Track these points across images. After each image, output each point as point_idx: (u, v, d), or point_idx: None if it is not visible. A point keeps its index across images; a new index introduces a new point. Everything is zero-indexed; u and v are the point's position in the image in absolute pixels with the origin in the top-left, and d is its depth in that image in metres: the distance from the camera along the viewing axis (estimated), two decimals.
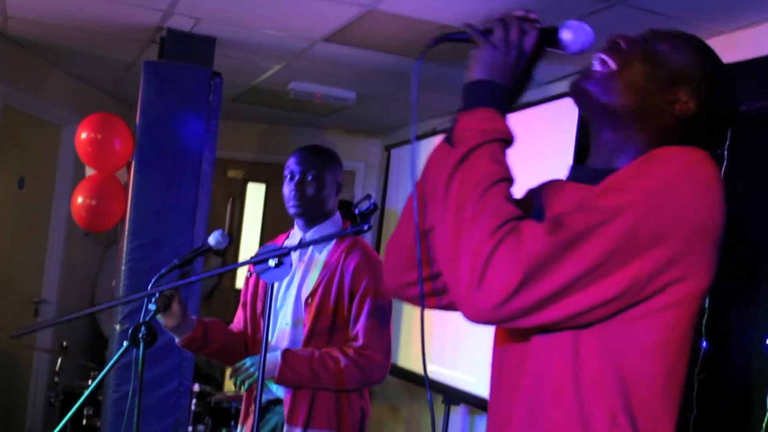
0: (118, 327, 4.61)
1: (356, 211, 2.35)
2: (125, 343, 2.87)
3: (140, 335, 2.78)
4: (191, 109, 4.72)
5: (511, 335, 1.58)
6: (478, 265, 1.33)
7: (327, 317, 3.03)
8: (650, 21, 3.72)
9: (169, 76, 4.71)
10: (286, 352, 2.94)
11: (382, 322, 3.04)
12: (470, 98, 1.52)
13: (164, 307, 2.95)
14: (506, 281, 1.32)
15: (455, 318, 4.78)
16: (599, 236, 1.34)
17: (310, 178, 3.10)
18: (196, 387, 5.05)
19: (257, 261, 2.40)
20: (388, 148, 6.52)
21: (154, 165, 4.67)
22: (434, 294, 1.68)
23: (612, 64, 1.58)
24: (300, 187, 3.09)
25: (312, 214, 3.12)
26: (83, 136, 4.76)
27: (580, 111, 1.65)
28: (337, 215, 3.19)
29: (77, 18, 4.76)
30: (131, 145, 4.77)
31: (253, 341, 3.17)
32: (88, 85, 6.53)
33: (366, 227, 2.36)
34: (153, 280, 2.81)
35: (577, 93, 1.61)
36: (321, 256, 3.11)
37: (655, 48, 1.59)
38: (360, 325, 3.01)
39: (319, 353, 2.97)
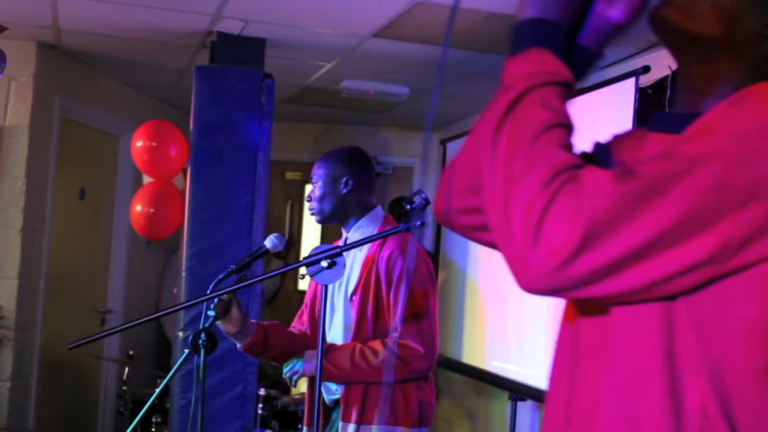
0: (180, 334, 4.62)
1: (407, 207, 2.29)
2: (186, 351, 2.86)
3: (200, 342, 2.77)
4: (244, 112, 4.71)
5: (584, 309, 1.36)
6: (531, 223, 1.14)
7: (370, 311, 3.02)
8: None
9: (221, 80, 4.70)
10: (327, 349, 2.92)
11: (420, 310, 2.99)
12: (519, 39, 1.31)
13: (223, 312, 2.93)
14: (565, 239, 1.11)
15: (517, 311, 4.70)
16: (680, 187, 1.12)
17: (316, 184, 3.16)
18: (262, 391, 5.04)
19: (309, 263, 2.35)
20: (443, 142, 6.45)
21: (209, 170, 4.67)
22: (482, 227, 1.42)
23: None
24: (311, 196, 3.18)
25: (335, 218, 3.17)
26: (139, 144, 4.78)
27: (662, 42, 1.42)
28: (376, 210, 3.18)
29: (128, 28, 4.79)
30: (186, 152, 4.77)
31: (314, 343, 3.14)
32: (143, 94, 6.58)
33: (419, 223, 2.30)
34: (211, 286, 2.78)
35: (655, 21, 1.38)
36: (362, 253, 3.11)
37: None
38: (397, 315, 2.97)
39: (360, 347, 2.96)
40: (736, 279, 1.17)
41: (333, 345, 3.00)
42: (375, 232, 3.10)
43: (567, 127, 1.23)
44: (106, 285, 6.42)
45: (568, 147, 1.22)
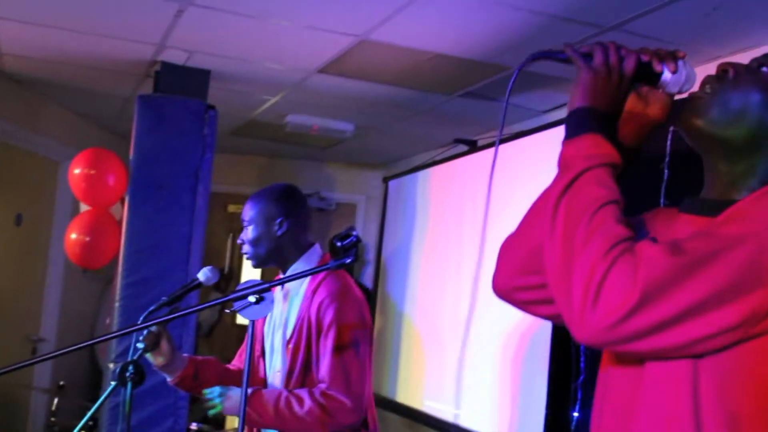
0: (111, 365, 4.53)
1: (338, 244, 2.28)
2: (112, 383, 2.81)
3: (127, 374, 2.72)
4: (185, 143, 4.67)
5: (621, 362, 1.53)
6: (592, 285, 1.32)
7: (301, 358, 2.90)
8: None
9: (163, 109, 4.67)
10: (252, 393, 2.82)
11: (349, 361, 2.84)
12: (574, 125, 1.50)
13: (152, 345, 2.88)
14: (622, 301, 1.29)
15: (453, 352, 4.71)
16: (721, 262, 1.31)
17: (248, 226, 3.01)
18: (194, 426, 4.96)
19: (237, 297, 2.31)
20: (386, 180, 6.47)
21: (147, 200, 4.61)
22: (542, 302, 1.64)
23: (720, 90, 1.53)
24: (243, 239, 3.02)
25: (272, 261, 3.01)
26: (76, 171, 4.72)
27: (689, 142, 1.59)
28: (313, 250, 3.05)
29: (72, 54, 4.73)
30: (125, 180, 4.72)
31: (253, 382, 3.06)
32: (86, 121, 6.50)
33: (348, 260, 2.28)
34: (141, 317, 2.73)
35: (685, 128, 1.56)
36: (299, 296, 2.97)
37: None
38: (324, 365, 2.84)
39: (287, 394, 2.83)
40: (757, 342, 1.35)
41: (260, 389, 2.87)
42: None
43: (619, 203, 1.42)
44: (40, 313, 6.29)
45: (622, 221, 1.39)
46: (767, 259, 1.31)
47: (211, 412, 2.86)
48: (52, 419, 5.36)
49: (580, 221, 1.38)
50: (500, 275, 1.72)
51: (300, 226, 3.04)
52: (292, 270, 3.00)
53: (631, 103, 1.58)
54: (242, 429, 2.35)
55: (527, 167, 4.35)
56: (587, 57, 1.53)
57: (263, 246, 2.99)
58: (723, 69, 1.54)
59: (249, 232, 3.00)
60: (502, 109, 1.50)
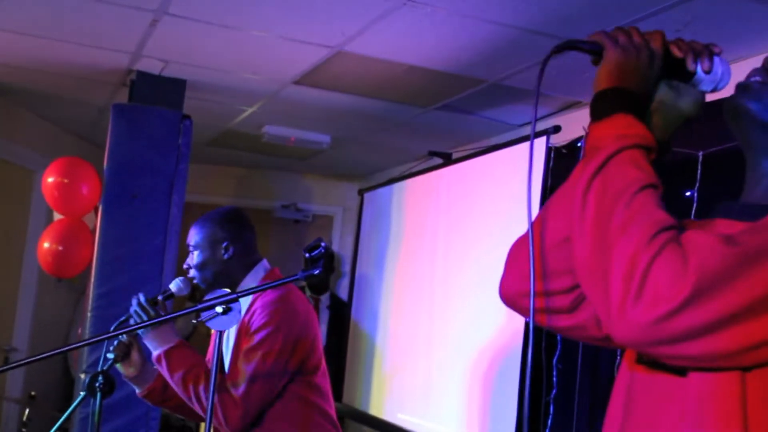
0: (83, 376, 4.50)
1: (306, 255, 2.28)
2: (81, 393, 2.80)
3: (97, 384, 2.71)
4: (160, 153, 4.66)
5: (654, 369, 1.34)
6: (636, 275, 1.15)
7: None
8: None
9: (138, 119, 4.65)
10: (177, 345, 2.78)
11: (258, 368, 2.76)
12: (603, 106, 1.36)
13: (122, 355, 2.87)
14: (673, 293, 1.13)
15: (425, 366, 4.70)
16: None
17: (194, 251, 2.98)
18: None
19: (204, 308, 2.31)
20: (361, 192, 6.47)
21: (121, 210, 4.59)
22: (549, 311, 1.49)
23: None
24: (189, 264, 2.99)
25: (221, 284, 2.92)
26: (50, 180, 4.69)
27: (734, 131, 1.48)
28: (259, 266, 3.01)
29: (47, 61, 4.71)
30: (99, 190, 4.70)
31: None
32: (62, 129, 6.47)
33: (316, 272, 2.28)
34: (112, 327, 2.72)
35: (732, 109, 1.44)
36: (245, 309, 2.90)
37: None
38: (232, 363, 2.81)
39: (203, 371, 2.78)
40: None
41: (185, 344, 2.82)
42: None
43: (657, 188, 1.27)
44: (13, 322, 6.24)
45: (662, 206, 1.24)
46: None
47: (127, 321, 2.80)
48: (23, 430, 5.30)
49: (617, 205, 1.22)
50: (509, 279, 1.54)
51: (246, 248, 3.01)
52: (242, 286, 2.96)
53: (662, 93, 1.47)
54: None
55: (502, 180, 4.37)
56: (613, 40, 1.42)
57: (209, 270, 2.96)
58: None
59: (195, 257, 2.97)
60: (534, 101, 1.36)
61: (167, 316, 2.44)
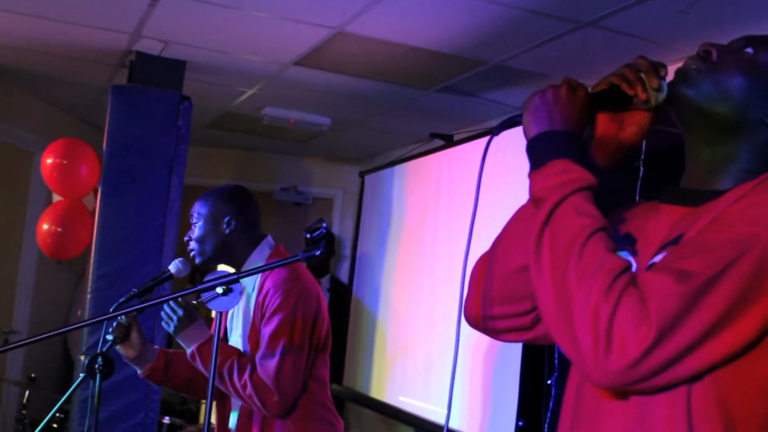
0: (82, 358, 4.49)
1: (307, 236, 2.25)
2: (81, 375, 2.78)
3: (96, 366, 2.69)
4: (159, 135, 4.63)
5: None
6: (601, 328, 1.24)
7: (250, 350, 2.88)
8: (623, 43, 3.66)
9: (137, 100, 4.62)
10: (206, 341, 2.78)
11: (285, 352, 2.77)
12: (536, 155, 1.41)
13: (122, 336, 2.86)
14: (638, 339, 1.22)
15: (425, 349, 4.69)
16: (729, 279, 1.25)
17: (196, 224, 2.99)
18: (167, 419, 4.93)
19: (204, 288, 2.28)
20: (362, 174, 6.45)
21: (120, 191, 4.57)
22: (520, 329, 1.58)
23: (707, 70, 1.46)
24: (190, 236, 3.00)
25: (219, 259, 2.97)
26: (49, 161, 4.67)
27: (676, 120, 1.52)
28: (264, 242, 3.00)
29: (46, 42, 4.68)
30: (98, 171, 4.67)
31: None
32: (61, 111, 6.45)
33: (317, 252, 2.25)
34: (111, 309, 2.69)
35: (672, 96, 1.47)
36: (255, 290, 2.92)
37: (756, 57, 1.46)
38: (260, 352, 2.80)
39: (235, 360, 2.79)
40: (761, 345, 1.30)
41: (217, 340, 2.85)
42: (263, 263, 2.95)
43: (604, 229, 1.33)
44: (12, 304, 6.23)
45: (613, 249, 1.31)
46: None
47: (166, 326, 2.81)
48: (23, 412, 5.31)
49: (569, 259, 1.29)
50: (474, 303, 1.62)
51: (249, 224, 3.01)
52: (248, 263, 2.97)
53: (603, 126, 1.53)
54: (209, 416, 2.33)
55: (503, 162, 4.34)
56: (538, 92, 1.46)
57: (209, 243, 2.96)
58: (706, 50, 1.49)
59: (195, 230, 2.98)
60: (477, 171, 1.40)
61: (171, 296, 2.42)
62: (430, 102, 5.13)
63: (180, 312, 2.77)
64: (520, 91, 4.65)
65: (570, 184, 1.35)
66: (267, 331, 2.80)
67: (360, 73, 4.69)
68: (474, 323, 1.64)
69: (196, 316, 2.81)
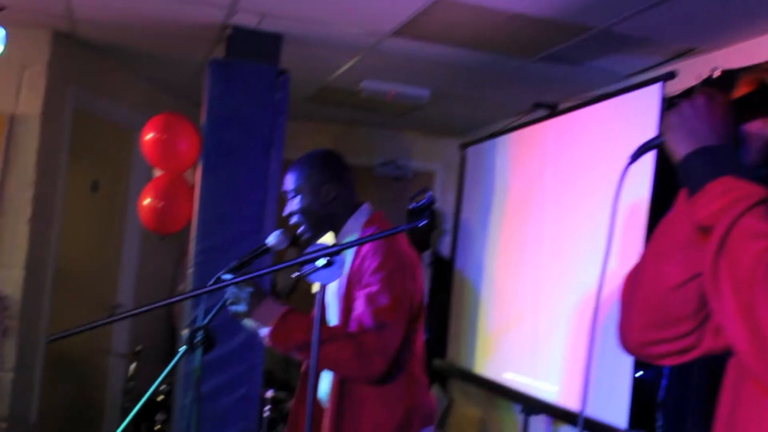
0: (184, 331, 4.52)
1: (410, 206, 2.17)
2: (182, 348, 2.76)
3: (197, 340, 2.66)
4: (257, 108, 4.60)
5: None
6: None
7: (344, 312, 2.80)
8: (739, 5, 3.46)
9: (235, 74, 4.60)
10: (288, 310, 2.67)
11: (384, 312, 2.67)
12: (692, 178, 1.31)
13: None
14: None
15: (531, 324, 4.55)
16: None
17: (293, 198, 2.92)
18: (270, 393, 4.94)
19: (304, 261, 2.22)
20: (463, 147, 6.31)
21: (220, 166, 4.56)
22: (680, 352, 1.49)
23: None
24: (291, 210, 2.92)
25: (324, 228, 2.90)
26: (148, 136, 4.68)
27: None
28: (362, 209, 2.95)
29: (143, 18, 4.70)
30: (198, 146, 4.67)
31: None
32: (160, 88, 6.50)
33: (421, 223, 2.17)
34: (210, 282, 2.65)
35: None
36: (350, 254, 2.83)
37: None
38: (357, 311, 2.70)
39: (329, 330, 2.70)
40: None
41: (293, 311, 2.71)
42: (359, 230, 2.90)
43: None
44: (117, 279, 6.33)
45: None
46: None
47: (235, 307, 2.69)
48: (130, 383, 5.39)
49: (755, 292, 1.17)
50: (630, 329, 1.52)
51: (346, 188, 2.94)
52: (345, 230, 2.91)
53: (758, 125, 1.39)
54: (311, 391, 2.27)
55: (612, 131, 4.17)
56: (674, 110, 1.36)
57: (313, 214, 2.90)
58: None
59: (296, 203, 2.91)
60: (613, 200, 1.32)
61: (269, 269, 2.34)
62: (533, 71, 4.98)
63: (249, 289, 2.66)
64: (627, 57, 4.46)
65: (736, 204, 1.23)
66: (365, 293, 2.71)
67: (460, 43, 4.57)
68: (632, 350, 1.54)
69: (265, 292, 2.71)
